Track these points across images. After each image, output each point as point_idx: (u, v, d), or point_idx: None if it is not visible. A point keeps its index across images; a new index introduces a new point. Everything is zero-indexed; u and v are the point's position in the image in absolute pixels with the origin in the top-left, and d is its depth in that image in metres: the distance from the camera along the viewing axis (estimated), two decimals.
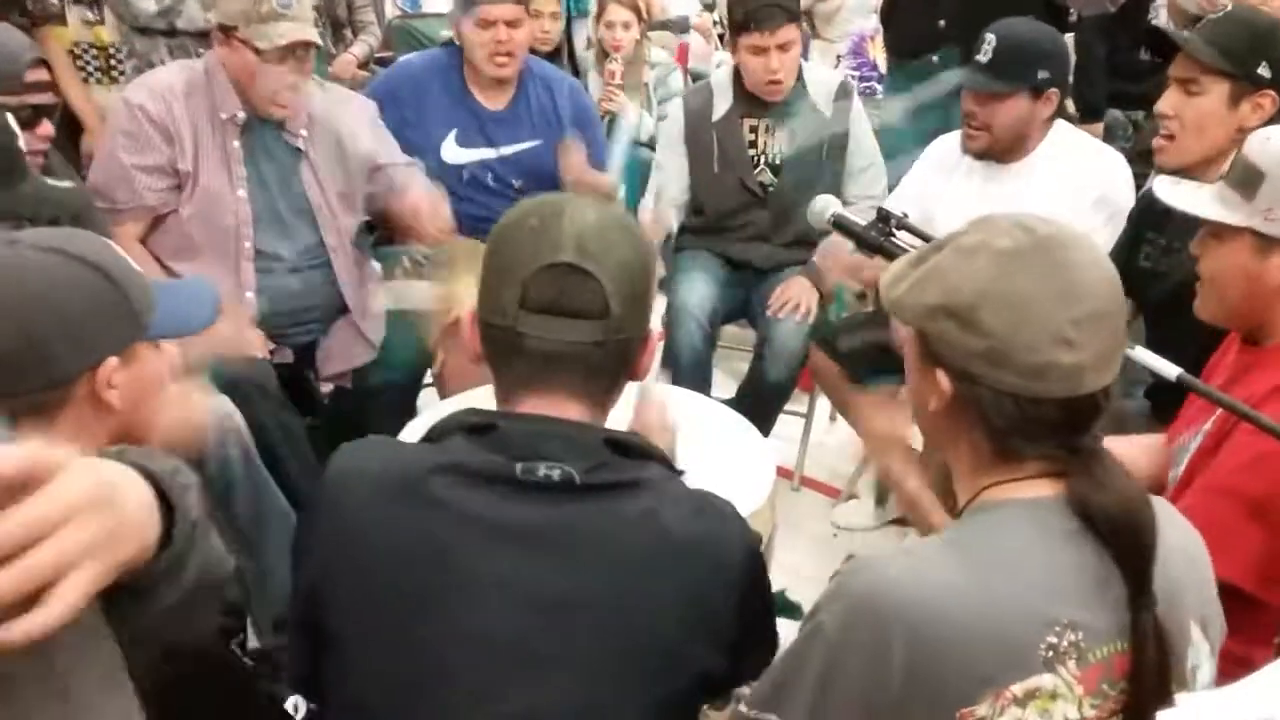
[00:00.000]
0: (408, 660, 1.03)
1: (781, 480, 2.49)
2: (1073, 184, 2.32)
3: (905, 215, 1.63)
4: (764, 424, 2.59)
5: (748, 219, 2.88)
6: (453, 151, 2.72)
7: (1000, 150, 2.39)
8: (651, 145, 3.57)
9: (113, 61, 2.97)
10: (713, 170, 2.84)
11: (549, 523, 1.04)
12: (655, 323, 1.35)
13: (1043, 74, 2.30)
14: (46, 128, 1.97)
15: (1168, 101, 1.99)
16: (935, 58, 3.12)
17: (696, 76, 4.44)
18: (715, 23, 5.30)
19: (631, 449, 1.11)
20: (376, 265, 2.57)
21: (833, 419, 3.21)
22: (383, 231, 2.68)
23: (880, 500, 2.88)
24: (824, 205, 1.70)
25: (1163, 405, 1.93)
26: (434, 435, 1.12)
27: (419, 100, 2.72)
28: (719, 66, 4.06)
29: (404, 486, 1.05)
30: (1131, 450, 1.60)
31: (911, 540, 1.64)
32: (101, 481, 0.66)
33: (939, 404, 1.03)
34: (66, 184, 1.86)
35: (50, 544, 0.61)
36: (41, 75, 2.00)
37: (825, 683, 0.96)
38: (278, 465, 2.14)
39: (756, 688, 1.05)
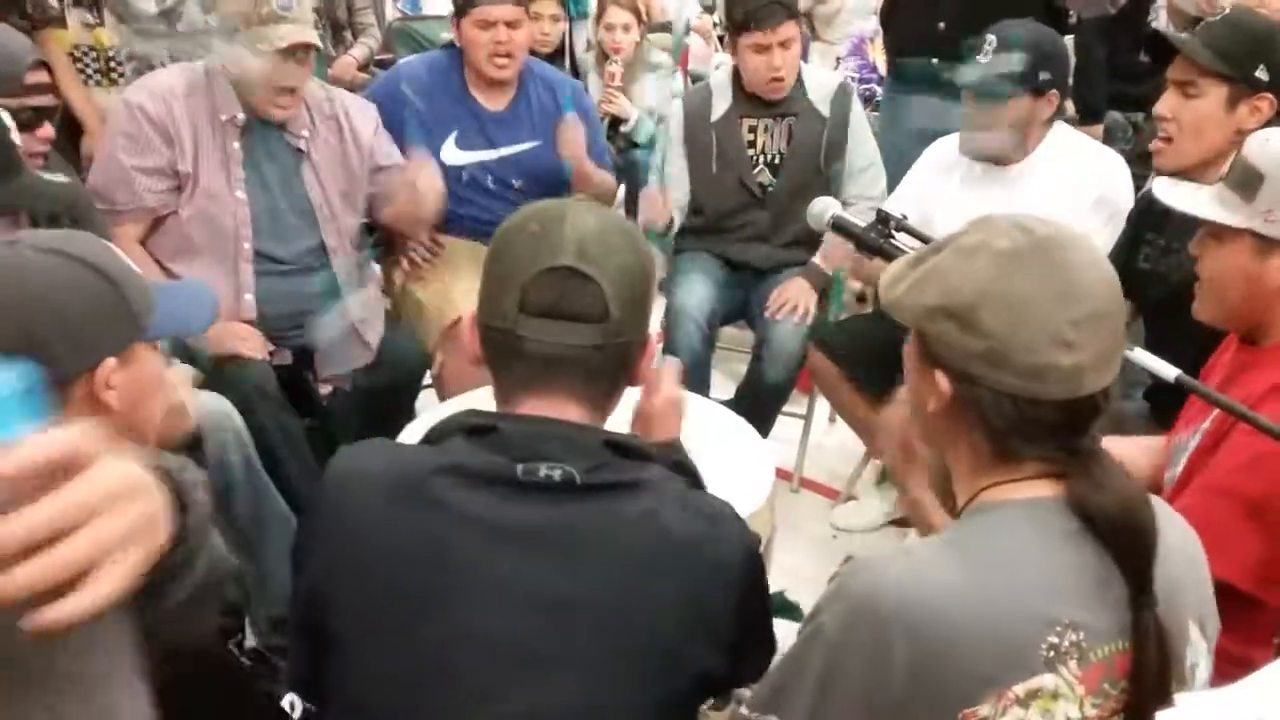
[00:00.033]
0: (409, 661, 1.03)
1: (780, 481, 2.48)
2: (1072, 185, 2.33)
3: (904, 217, 1.63)
4: (763, 425, 2.59)
5: (747, 219, 2.88)
6: (452, 154, 2.72)
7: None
8: (651, 146, 3.58)
9: (112, 64, 2.96)
10: (711, 170, 2.84)
11: (549, 523, 1.04)
12: (654, 325, 1.35)
13: (1043, 75, 2.30)
14: (47, 130, 1.97)
15: (1166, 104, 1.99)
16: (935, 59, 3.12)
17: (696, 78, 4.44)
18: (715, 24, 5.30)
19: (631, 450, 1.11)
20: (376, 266, 2.57)
21: (832, 420, 3.21)
22: (382, 233, 2.69)
23: (880, 480, 2.88)
24: (823, 207, 1.70)
25: (1162, 407, 1.93)
26: (434, 437, 1.12)
27: (419, 102, 2.72)
28: (718, 68, 4.06)
29: (405, 488, 1.05)
30: (1131, 451, 1.60)
31: (911, 541, 1.63)
32: (138, 470, 0.66)
33: (938, 405, 1.04)
34: (61, 178, 1.85)
35: (89, 530, 0.60)
36: (42, 77, 2.00)
37: (826, 684, 0.96)
38: (277, 467, 2.14)
39: (757, 690, 1.05)
